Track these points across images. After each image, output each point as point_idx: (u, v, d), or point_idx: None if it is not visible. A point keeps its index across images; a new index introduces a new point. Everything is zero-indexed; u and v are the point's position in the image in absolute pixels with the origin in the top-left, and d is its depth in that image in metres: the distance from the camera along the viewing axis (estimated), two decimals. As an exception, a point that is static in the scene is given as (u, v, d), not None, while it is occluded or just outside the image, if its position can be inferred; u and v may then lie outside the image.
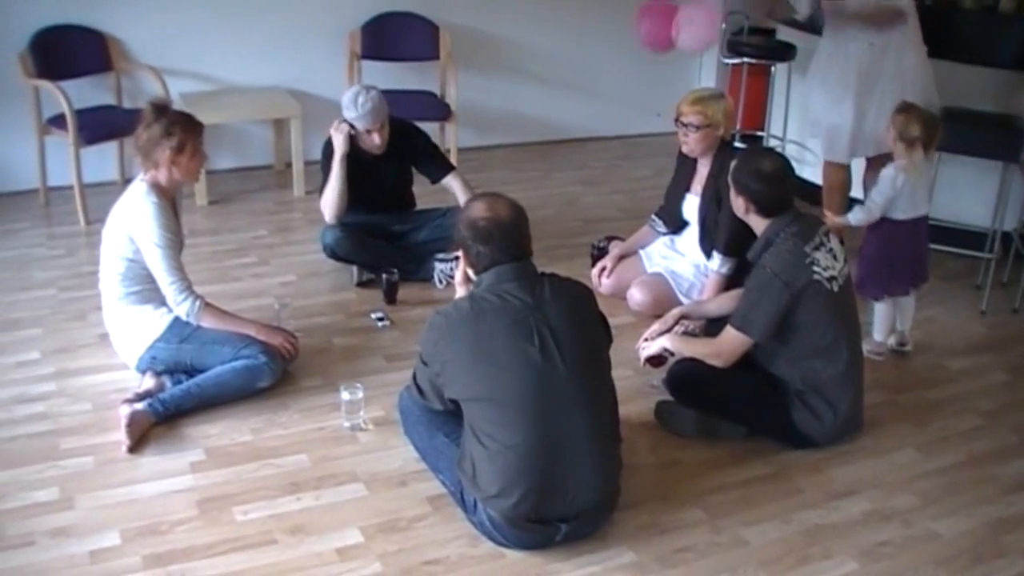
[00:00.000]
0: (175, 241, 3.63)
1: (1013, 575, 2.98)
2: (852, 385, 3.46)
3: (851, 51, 4.67)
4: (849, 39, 4.67)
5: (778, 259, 3.29)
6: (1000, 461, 3.54)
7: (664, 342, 3.55)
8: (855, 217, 4.12)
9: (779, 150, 6.21)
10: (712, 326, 3.74)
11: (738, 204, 3.47)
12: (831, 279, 3.31)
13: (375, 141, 4.46)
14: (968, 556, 3.04)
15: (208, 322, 3.64)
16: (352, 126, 4.43)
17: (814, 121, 4.97)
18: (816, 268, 3.28)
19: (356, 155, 4.53)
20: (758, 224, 3.45)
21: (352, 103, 4.38)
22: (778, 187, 3.42)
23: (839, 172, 4.98)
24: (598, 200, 6.02)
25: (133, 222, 3.56)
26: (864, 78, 4.66)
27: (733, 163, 3.54)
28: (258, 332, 3.70)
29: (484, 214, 2.88)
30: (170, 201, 3.67)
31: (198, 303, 3.62)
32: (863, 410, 3.58)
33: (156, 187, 3.60)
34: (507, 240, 2.86)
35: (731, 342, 3.37)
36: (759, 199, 3.40)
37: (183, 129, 3.57)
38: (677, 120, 4.22)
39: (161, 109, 3.61)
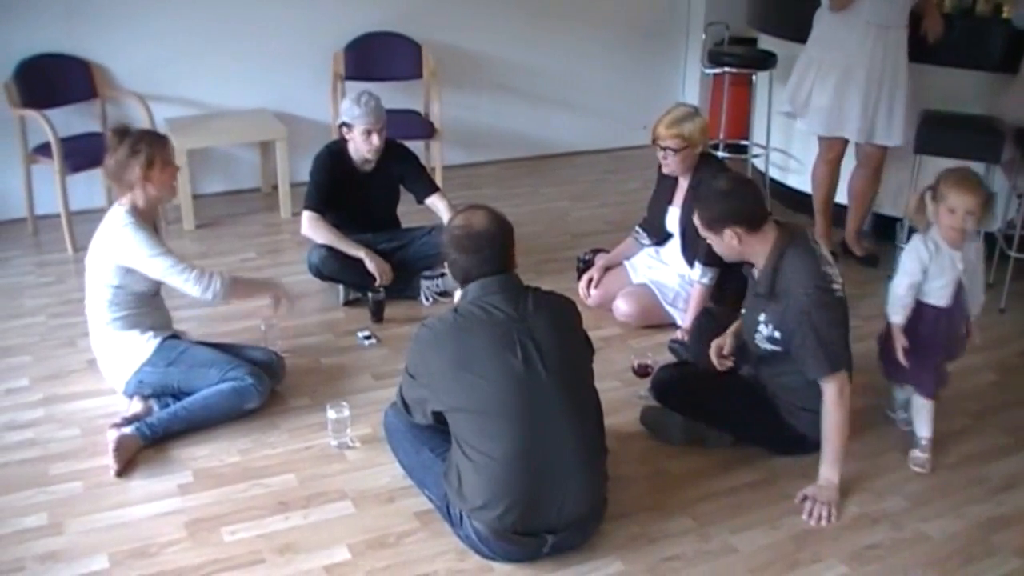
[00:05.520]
0: (166, 248, 3.62)
1: (1003, 574, 2.99)
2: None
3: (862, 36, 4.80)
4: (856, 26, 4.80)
5: (810, 276, 3.15)
6: (989, 461, 3.55)
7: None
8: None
9: (763, 158, 6.25)
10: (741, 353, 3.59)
11: (726, 242, 3.23)
12: (843, 286, 3.24)
13: (374, 142, 4.45)
14: (959, 557, 3.04)
15: (238, 294, 3.84)
16: (349, 128, 4.46)
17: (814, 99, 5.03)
18: (835, 284, 3.19)
19: (346, 172, 4.56)
20: (753, 246, 3.23)
21: (355, 102, 4.42)
22: (747, 188, 3.32)
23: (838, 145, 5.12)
24: (587, 214, 6.04)
25: (118, 250, 3.55)
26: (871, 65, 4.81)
27: (695, 217, 3.30)
28: (276, 297, 3.94)
29: (462, 224, 2.93)
30: (151, 224, 3.66)
31: (219, 280, 3.62)
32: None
33: (135, 211, 3.59)
34: (485, 251, 2.88)
35: (839, 388, 3.17)
36: (740, 213, 3.18)
37: (148, 144, 3.56)
38: (655, 143, 4.24)
39: (122, 132, 3.60)
